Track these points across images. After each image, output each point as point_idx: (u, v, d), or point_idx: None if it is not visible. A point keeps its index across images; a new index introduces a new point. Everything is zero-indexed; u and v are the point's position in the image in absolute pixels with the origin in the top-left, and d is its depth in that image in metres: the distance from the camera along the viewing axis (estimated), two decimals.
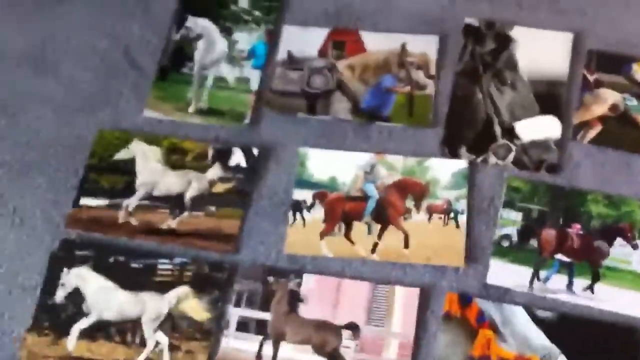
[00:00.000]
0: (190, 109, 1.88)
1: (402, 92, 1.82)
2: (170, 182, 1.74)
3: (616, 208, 1.59)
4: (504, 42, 1.81)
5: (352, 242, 1.67)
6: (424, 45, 1.89)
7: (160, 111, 1.87)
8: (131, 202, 1.76)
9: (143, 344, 1.59)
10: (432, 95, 1.82)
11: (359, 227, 1.70)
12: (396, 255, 1.63)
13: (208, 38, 1.94)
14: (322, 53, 1.89)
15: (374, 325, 1.55)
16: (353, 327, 1.54)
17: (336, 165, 1.74)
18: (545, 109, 1.77)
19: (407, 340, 1.52)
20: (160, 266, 1.67)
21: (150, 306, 1.59)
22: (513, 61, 1.79)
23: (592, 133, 1.68)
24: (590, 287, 1.56)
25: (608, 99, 1.71)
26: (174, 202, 1.77)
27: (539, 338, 1.44)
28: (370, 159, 1.76)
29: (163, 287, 1.65)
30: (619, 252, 1.58)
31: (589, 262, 1.60)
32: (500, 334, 1.44)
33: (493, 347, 1.41)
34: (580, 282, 1.59)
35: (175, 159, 1.80)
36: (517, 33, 1.90)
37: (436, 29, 1.91)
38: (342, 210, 1.70)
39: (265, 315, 1.60)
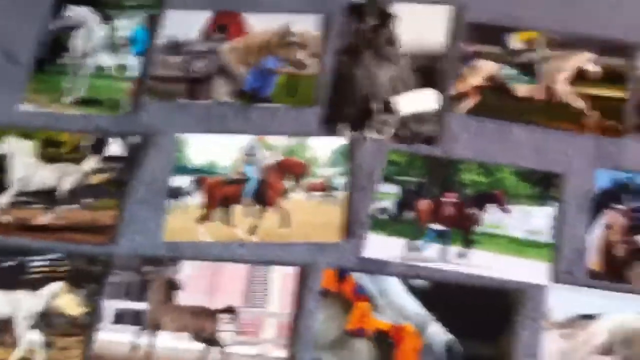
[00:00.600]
0: (67, 100, 1.85)
1: (284, 73, 1.74)
2: (44, 176, 1.71)
3: (489, 175, 1.60)
4: (385, 18, 1.82)
5: (231, 225, 1.65)
6: (308, 25, 1.90)
7: (36, 104, 1.86)
8: (2, 200, 1.66)
9: (17, 343, 1.54)
10: (316, 74, 1.78)
11: (239, 210, 1.68)
12: (276, 235, 1.65)
13: (86, 26, 1.87)
14: (205, 37, 1.84)
15: (252, 307, 1.54)
16: (230, 311, 1.53)
17: (216, 150, 1.72)
18: (425, 83, 1.76)
19: (286, 320, 1.52)
20: (33, 263, 1.63)
21: (23, 304, 1.56)
22: (393, 37, 1.77)
23: (470, 104, 1.69)
24: (464, 254, 1.56)
25: (484, 69, 1.71)
26: (49, 197, 1.74)
27: (413, 307, 1.44)
28: (251, 141, 1.76)
29: (37, 285, 1.61)
30: (493, 218, 1.58)
31: (462, 229, 1.57)
32: (377, 306, 1.45)
33: (369, 319, 1.40)
34: (455, 250, 1.58)
35: (50, 152, 1.77)
36: (398, 9, 1.92)
37: (322, 9, 1.89)
38: (221, 194, 1.68)
39: (143, 306, 1.57)
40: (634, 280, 1.51)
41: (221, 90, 1.76)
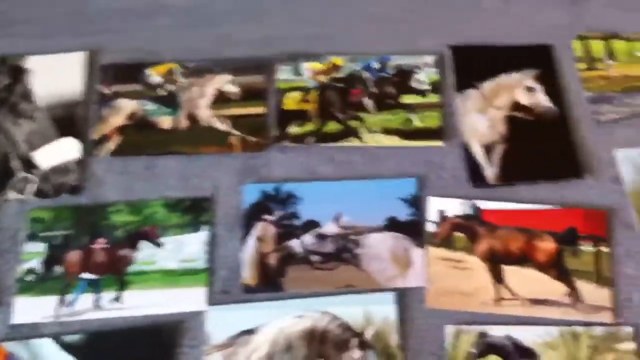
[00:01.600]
0: None
1: None
2: None
3: (139, 213, 1.59)
4: (18, 74, 1.73)
5: None
6: None
7: None
8: None
9: None
10: None
11: None
12: None
13: None
14: None
15: None
16: None
17: None
18: (65, 132, 1.72)
19: None
20: None
21: None
22: (28, 91, 1.70)
23: (112, 145, 1.66)
24: (118, 298, 1.57)
25: (124, 108, 1.71)
26: None
27: None
28: None
29: None
30: (146, 254, 1.54)
31: (114, 273, 1.60)
32: None
33: None
34: (109, 296, 1.60)
35: None
36: (32, 62, 1.93)
37: None
38: None
39: None
40: (287, 285, 1.53)
41: None
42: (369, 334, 1.45)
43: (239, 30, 1.94)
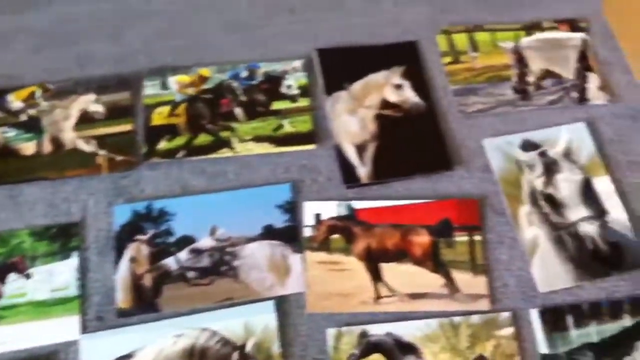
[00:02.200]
0: None
1: None
2: None
3: (5, 245, 1.54)
4: None
5: None
6: None
7: None
8: None
9: None
10: None
11: None
12: None
13: None
14: None
15: None
16: None
17: None
18: None
19: None
20: None
21: None
22: None
23: None
24: None
25: None
26: None
27: None
28: None
29: None
30: (14, 287, 1.50)
31: None
32: None
33: None
34: None
35: None
36: None
37: None
38: None
39: None
40: (164, 305, 1.51)
41: None
42: (249, 346, 1.44)
43: (100, 48, 1.94)
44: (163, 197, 1.72)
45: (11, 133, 1.74)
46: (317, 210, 1.66)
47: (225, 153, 1.75)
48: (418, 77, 1.88)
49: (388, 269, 1.61)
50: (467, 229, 1.66)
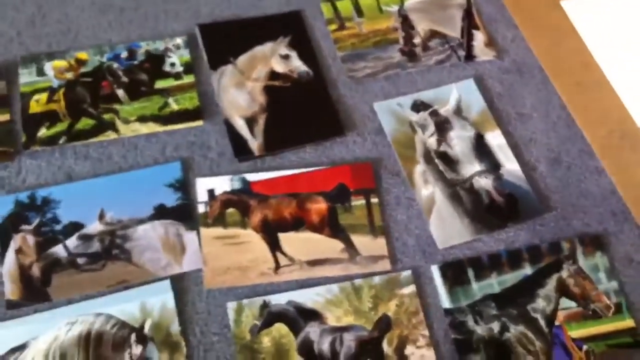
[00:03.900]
0: None
1: None
2: None
3: None
4: None
5: None
6: None
7: None
8: None
9: None
10: None
11: None
12: None
13: None
14: None
15: None
16: None
17: None
18: None
19: None
20: None
21: None
22: None
23: None
24: None
25: None
26: None
27: None
28: None
29: None
30: None
31: None
32: None
33: None
34: None
35: None
36: None
37: None
38: None
39: None
40: (55, 293, 1.52)
41: None
42: (147, 327, 1.41)
43: None
44: (46, 185, 1.67)
45: None
46: (210, 186, 1.66)
47: (110, 136, 1.73)
48: (305, 46, 1.92)
49: (286, 239, 1.63)
50: (363, 192, 1.67)
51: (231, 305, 1.52)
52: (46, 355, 1.46)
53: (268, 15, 1.96)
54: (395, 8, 1.94)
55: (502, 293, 1.54)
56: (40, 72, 1.79)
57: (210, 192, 1.63)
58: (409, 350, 1.50)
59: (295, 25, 1.90)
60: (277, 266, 1.56)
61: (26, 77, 1.79)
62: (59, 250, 1.55)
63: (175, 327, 1.45)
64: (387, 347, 1.50)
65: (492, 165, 1.67)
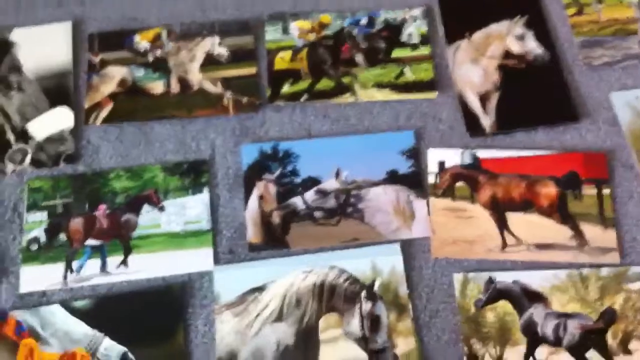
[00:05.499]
0: None
1: None
2: None
3: (138, 178, 1.62)
4: (4, 47, 1.76)
5: None
6: None
7: None
8: None
9: None
10: None
11: None
12: None
13: None
14: None
15: None
16: None
17: None
18: (56, 102, 1.75)
19: None
20: None
21: None
22: (16, 64, 1.73)
23: (104, 113, 1.68)
24: (124, 262, 1.62)
25: (115, 75, 1.74)
26: None
27: (80, 329, 1.43)
28: None
29: None
30: (149, 218, 1.60)
31: (118, 238, 1.64)
32: (42, 339, 1.41)
33: (36, 354, 1.36)
34: (114, 260, 1.63)
35: None
36: (17, 35, 1.94)
37: None
38: None
39: None
40: (292, 242, 1.60)
41: None
42: (377, 285, 1.47)
43: None
44: (287, 138, 1.73)
45: (140, 72, 1.78)
46: (441, 158, 1.69)
47: (347, 98, 1.78)
48: (541, 28, 1.88)
49: (514, 219, 1.64)
50: (594, 182, 1.65)
51: (457, 277, 1.53)
52: (283, 298, 1.52)
53: None
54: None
55: None
56: (285, 31, 1.86)
57: (441, 164, 1.66)
58: (633, 345, 1.50)
59: (532, 6, 1.89)
60: (504, 245, 1.57)
61: (272, 34, 1.88)
62: (297, 201, 1.62)
63: (403, 290, 1.49)
64: (611, 340, 1.49)
65: None
